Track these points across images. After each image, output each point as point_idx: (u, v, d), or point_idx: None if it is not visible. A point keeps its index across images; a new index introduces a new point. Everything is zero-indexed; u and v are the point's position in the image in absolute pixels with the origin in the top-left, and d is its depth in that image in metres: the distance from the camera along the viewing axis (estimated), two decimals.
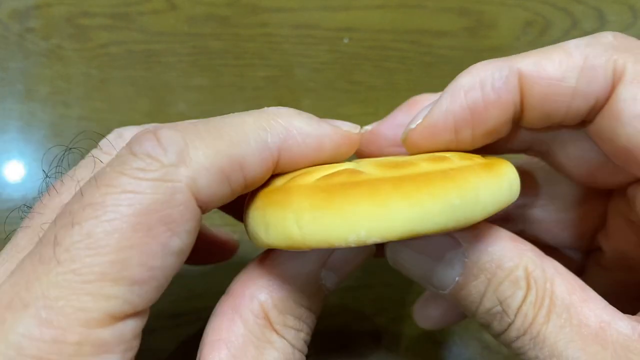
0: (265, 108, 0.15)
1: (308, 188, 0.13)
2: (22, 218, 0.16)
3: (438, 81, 0.32)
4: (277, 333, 0.15)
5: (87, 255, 0.12)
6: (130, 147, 0.13)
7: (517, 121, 0.16)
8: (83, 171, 0.15)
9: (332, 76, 0.32)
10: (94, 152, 0.16)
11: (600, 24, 0.35)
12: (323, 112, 0.30)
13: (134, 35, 0.32)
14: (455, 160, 0.14)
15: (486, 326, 0.15)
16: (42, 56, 0.31)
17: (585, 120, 0.15)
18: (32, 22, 0.33)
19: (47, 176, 0.16)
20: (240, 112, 0.15)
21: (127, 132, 0.16)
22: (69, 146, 0.17)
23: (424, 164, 0.13)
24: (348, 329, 0.25)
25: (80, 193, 0.12)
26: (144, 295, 0.12)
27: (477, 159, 0.15)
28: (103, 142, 0.16)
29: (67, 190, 0.15)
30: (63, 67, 0.30)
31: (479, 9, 0.35)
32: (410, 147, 0.16)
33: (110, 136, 0.16)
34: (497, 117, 0.15)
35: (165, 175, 0.12)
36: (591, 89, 0.14)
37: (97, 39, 0.32)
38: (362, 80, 0.32)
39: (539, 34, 0.34)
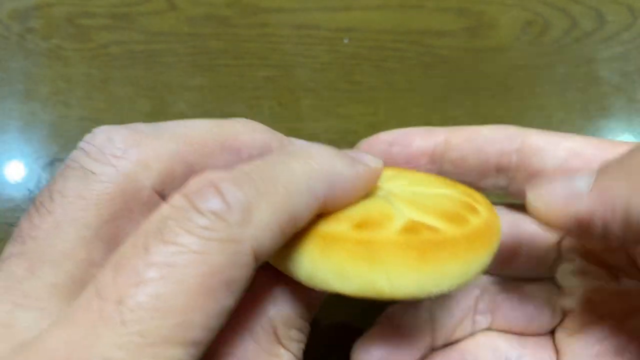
0: (307, 146, 0.17)
1: (397, 245, 0.14)
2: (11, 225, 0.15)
3: (437, 81, 0.32)
4: (284, 347, 0.15)
5: (154, 317, 0.11)
6: (192, 201, 0.12)
7: None
8: (74, 184, 0.14)
9: (332, 76, 0.32)
10: (81, 159, 0.14)
11: (599, 24, 0.35)
12: (323, 112, 0.31)
13: (134, 35, 0.32)
14: (482, 211, 0.16)
15: None
16: (42, 56, 0.31)
17: None
18: (33, 22, 0.33)
19: (30, 191, 0.15)
20: (284, 153, 0.15)
21: (116, 135, 0.14)
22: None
23: (469, 216, 0.15)
24: (346, 327, 0.25)
25: (144, 247, 0.12)
26: (197, 355, 0.12)
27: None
28: (88, 147, 0.14)
29: (59, 207, 0.14)
30: (63, 67, 0.30)
31: (479, 9, 0.35)
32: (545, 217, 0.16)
33: (96, 140, 0.15)
34: None
35: (231, 236, 0.12)
36: None
37: (98, 39, 0.32)
38: (362, 80, 0.32)
39: (539, 34, 0.34)
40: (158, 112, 0.30)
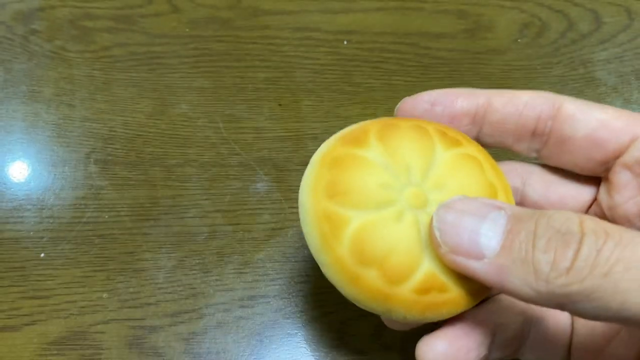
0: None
1: (408, 302, 0.17)
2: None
3: (436, 82, 0.33)
4: None
5: None
6: None
7: None
8: None
9: (332, 78, 0.32)
10: None
11: (596, 26, 0.35)
12: (323, 113, 0.31)
13: (136, 37, 0.32)
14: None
15: (536, 276, 0.14)
16: (46, 58, 0.32)
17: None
18: (36, 24, 0.33)
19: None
20: None
21: None
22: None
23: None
24: (347, 326, 0.25)
25: None
26: None
27: None
28: None
29: None
30: (67, 68, 0.30)
31: (477, 12, 0.35)
32: None
33: None
34: None
35: None
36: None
37: (101, 41, 0.32)
38: (362, 81, 0.32)
39: (536, 36, 0.34)
40: (160, 113, 0.30)
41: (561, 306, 0.14)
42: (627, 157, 0.18)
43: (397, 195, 0.18)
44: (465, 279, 0.17)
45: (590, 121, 0.18)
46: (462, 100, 0.20)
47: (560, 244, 0.14)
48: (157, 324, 0.24)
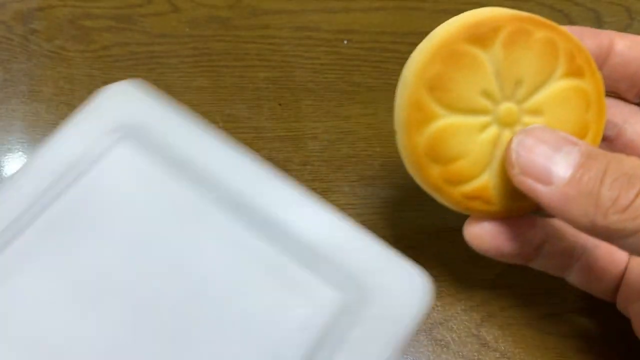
0: None
1: (454, 202, 0.20)
2: None
3: None
4: None
5: None
6: None
7: None
8: None
9: (331, 77, 0.32)
10: None
11: (597, 26, 0.35)
12: (323, 112, 0.31)
13: (136, 36, 0.32)
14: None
15: (600, 210, 0.16)
16: (45, 57, 0.32)
17: None
18: (36, 24, 0.33)
19: None
20: None
21: None
22: None
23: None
24: None
25: None
26: None
27: None
28: None
29: None
30: (66, 68, 0.30)
31: None
32: None
33: None
34: None
35: None
36: None
37: (100, 40, 0.32)
38: (361, 81, 0.32)
39: None
40: None
41: (611, 240, 0.16)
42: None
43: (493, 106, 0.19)
44: (511, 204, 0.19)
45: None
46: (588, 39, 0.20)
47: (625, 185, 0.16)
48: None
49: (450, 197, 0.20)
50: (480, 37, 0.18)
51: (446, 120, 0.19)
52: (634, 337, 0.22)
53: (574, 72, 0.19)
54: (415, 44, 0.19)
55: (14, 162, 0.28)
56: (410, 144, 0.19)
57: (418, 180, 0.20)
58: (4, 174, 0.28)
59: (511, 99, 0.19)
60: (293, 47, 0.33)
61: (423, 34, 0.20)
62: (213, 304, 0.18)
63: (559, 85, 0.19)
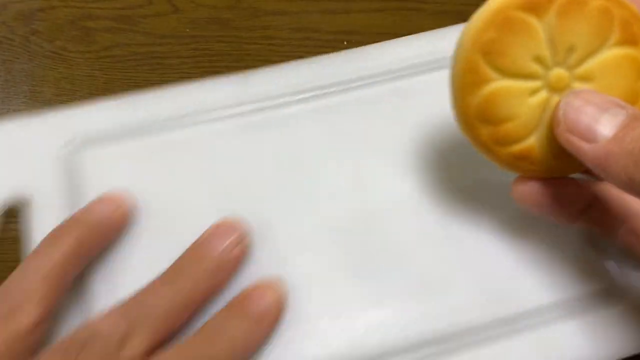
0: None
1: (501, 161, 0.21)
2: None
3: None
4: None
5: None
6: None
7: None
8: None
9: None
10: None
11: None
12: None
13: (137, 37, 0.33)
14: None
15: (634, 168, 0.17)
16: (46, 58, 0.32)
17: None
18: (37, 25, 0.33)
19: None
20: None
21: None
22: None
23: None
24: None
25: None
26: None
27: None
28: None
29: None
30: (67, 68, 0.30)
31: None
32: None
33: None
34: None
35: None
36: None
37: (101, 41, 0.32)
38: None
39: None
40: None
41: None
42: None
43: (545, 72, 0.19)
44: (557, 165, 0.20)
45: None
46: None
47: None
48: None
49: (498, 156, 0.21)
50: (535, 5, 0.19)
51: (498, 84, 0.19)
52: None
53: (628, 40, 0.19)
54: None
55: None
56: (463, 105, 0.20)
57: (469, 139, 0.21)
58: None
59: (562, 65, 0.19)
60: (293, 48, 0.33)
61: None
62: None
63: (611, 52, 0.19)
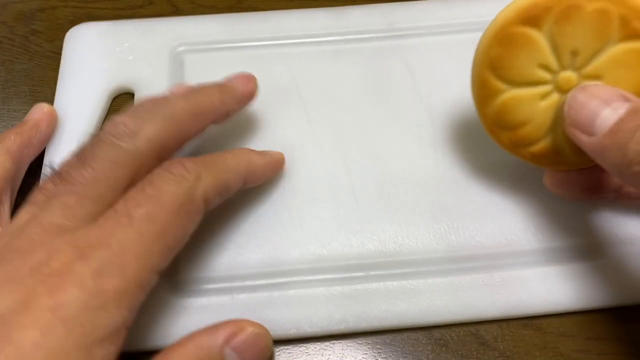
0: (235, 149, 0.25)
1: (523, 156, 0.23)
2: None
3: None
4: None
5: (148, 222, 0.19)
6: (168, 168, 0.21)
7: None
8: (107, 152, 0.21)
9: None
10: (109, 137, 0.21)
11: None
12: None
13: None
14: None
15: (629, 159, 0.18)
16: (46, 58, 0.32)
17: None
18: (37, 25, 0.33)
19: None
20: (222, 152, 0.24)
21: (129, 121, 0.21)
22: None
23: None
24: None
25: (142, 189, 0.20)
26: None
27: None
28: (113, 129, 0.21)
29: (98, 166, 0.20)
30: None
31: None
32: None
33: (118, 124, 0.21)
34: None
35: (190, 187, 0.21)
36: None
37: None
38: None
39: None
40: None
41: (636, 186, 0.18)
42: None
43: (552, 76, 0.21)
44: (576, 158, 0.22)
45: None
46: None
47: None
48: None
49: (522, 156, 0.23)
50: (533, 17, 0.20)
51: (508, 94, 0.21)
52: (635, 337, 0.23)
53: (630, 35, 0.20)
54: None
55: None
56: (482, 115, 0.23)
57: (494, 140, 0.23)
58: None
59: (569, 67, 0.21)
60: None
61: None
62: None
63: (616, 49, 0.20)
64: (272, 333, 0.22)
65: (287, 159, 0.27)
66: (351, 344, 0.23)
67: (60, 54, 0.32)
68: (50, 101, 0.30)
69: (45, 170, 0.26)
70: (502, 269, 0.24)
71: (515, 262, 0.25)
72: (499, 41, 0.21)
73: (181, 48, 0.31)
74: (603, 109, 0.19)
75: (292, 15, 0.32)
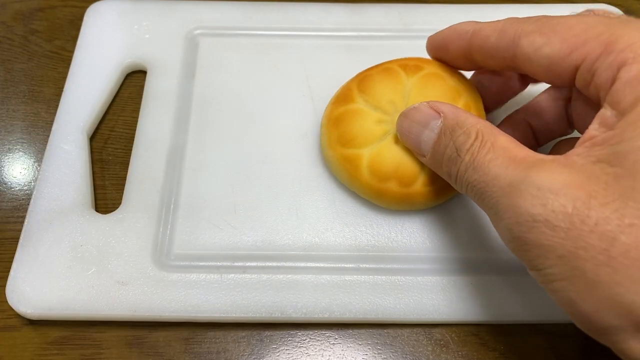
0: None
1: (422, 192, 0.24)
2: None
3: None
4: None
5: None
6: None
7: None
8: None
9: None
10: None
11: None
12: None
13: None
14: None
15: (448, 173, 0.21)
16: (46, 58, 0.32)
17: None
18: (36, 24, 0.33)
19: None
20: None
21: None
22: None
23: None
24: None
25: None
26: None
27: None
28: None
29: None
30: (67, 68, 0.30)
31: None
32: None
33: None
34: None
35: None
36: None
37: None
38: None
39: None
40: None
41: (469, 196, 0.20)
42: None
43: (390, 125, 0.25)
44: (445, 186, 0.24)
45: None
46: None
47: (453, 160, 0.20)
48: (157, 324, 0.24)
49: (418, 193, 0.24)
50: (344, 98, 0.26)
51: (369, 152, 0.24)
52: None
53: (414, 70, 0.25)
54: None
55: (14, 162, 0.28)
56: (361, 184, 0.25)
57: (388, 203, 0.25)
58: (4, 173, 0.28)
59: (398, 111, 0.24)
60: None
61: None
62: None
63: (413, 81, 0.25)
64: (256, 315, 0.23)
65: (290, 147, 0.27)
66: (351, 345, 0.23)
67: (59, 53, 0.32)
68: (50, 101, 0.30)
69: None
70: (491, 273, 0.24)
71: (506, 267, 0.24)
72: (333, 124, 0.25)
73: (198, 31, 0.31)
74: (423, 132, 0.22)
75: (310, 8, 0.32)
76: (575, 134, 0.25)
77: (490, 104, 0.26)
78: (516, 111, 0.26)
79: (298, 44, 0.31)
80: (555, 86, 0.25)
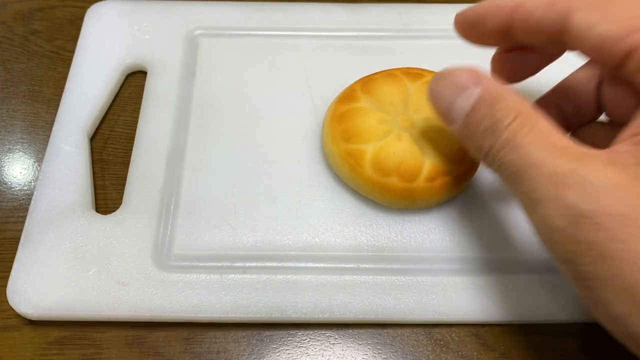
0: None
1: (423, 188, 0.25)
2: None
3: None
4: None
5: None
6: None
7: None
8: None
9: None
10: None
11: None
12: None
13: None
14: None
15: (479, 146, 0.20)
16: (46, 58, 0.32)
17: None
18: (36, 24, 0.33)
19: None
20: None
21: None
22: None
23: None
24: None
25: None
26: None
27: None
28: None
29: None
30: (67, 68, 0.30)
31: None
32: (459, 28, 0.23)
33: None
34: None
35: None
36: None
37: None
38: None
39: None
40: None
41: (492, 167, 0.20)
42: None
43: (392, 125, 0.25)
44: (456, 164, 0.24)
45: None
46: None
47: (489, 134, 0.19)
48: (157, 324, 0.24)
49: (420, 189, 0.24)
50: (348, 97, 0.26)
51: (373, 147, 0.25)
52: None
53: (416, 77, 0.26)
54: None
55: (14, 162, 0.28)
56: (364, 178, 0.25)
57: (390, 198, 0.25)
58: (4, 173, 0.28)
59: (399, 113, 0.25)
60: None
61: None
62: None
63: (415, 87, 0.26)
64: (256, 315, 0.23)
65: (290, 147, 0.27)
66: (351, 345, 0.23)
67: (59, 53, 0.32)
68: (50, 101, 0.30)
69: None
70: (490, 273, 0.24)
71: (506, 267, 0.24)
72: (337, 120, 0.26)
73: (198, 31, 0.32)
74: (457, 99, 0.20)
75: (310, 8, 0.32)
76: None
77: (512, 79, 0.25)
78: (546, 94, 0.25)
79: (298, 44, 0.31)
80: (600, 66, 0.23)
